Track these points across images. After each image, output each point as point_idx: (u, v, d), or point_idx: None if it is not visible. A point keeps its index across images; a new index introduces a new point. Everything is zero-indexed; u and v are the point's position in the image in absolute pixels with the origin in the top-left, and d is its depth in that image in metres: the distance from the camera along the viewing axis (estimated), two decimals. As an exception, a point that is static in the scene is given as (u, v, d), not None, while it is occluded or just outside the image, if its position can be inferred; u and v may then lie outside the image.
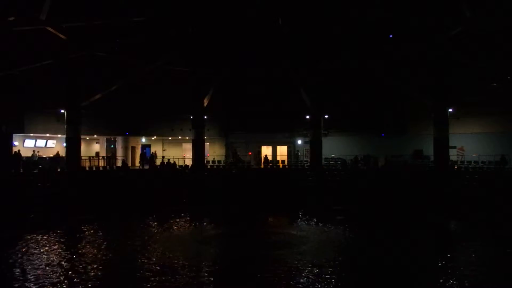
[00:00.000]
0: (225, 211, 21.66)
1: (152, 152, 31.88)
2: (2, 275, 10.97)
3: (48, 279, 10.53)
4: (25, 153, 25.49)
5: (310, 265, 11.53)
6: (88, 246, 14.41)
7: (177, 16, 18.49)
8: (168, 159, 29.35)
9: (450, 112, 24.93)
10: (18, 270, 11.36)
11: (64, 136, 24.83)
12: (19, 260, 12.29)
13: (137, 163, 32.32)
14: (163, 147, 34.79)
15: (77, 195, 20.42)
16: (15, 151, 24.46)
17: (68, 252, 13.45)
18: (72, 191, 20.66)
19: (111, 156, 30.95)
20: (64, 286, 10.18)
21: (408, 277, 10.99)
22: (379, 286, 10.43)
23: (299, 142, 34.49)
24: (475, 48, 20.63)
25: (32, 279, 10.51)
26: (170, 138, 33.67)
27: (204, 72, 26.60)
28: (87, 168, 26.13)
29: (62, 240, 15.34)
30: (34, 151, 26.32)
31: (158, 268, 11.69)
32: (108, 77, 24.90)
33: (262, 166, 30.18)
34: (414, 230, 16.94)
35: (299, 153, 34.39)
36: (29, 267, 11.60)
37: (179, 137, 32.87)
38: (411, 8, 17.45)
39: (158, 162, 29.81)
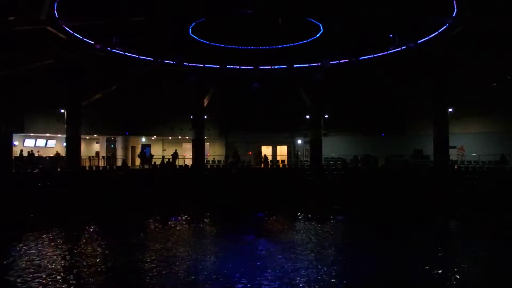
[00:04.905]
0: (224, 212, 21.64)
1: (176, 151, 31.20)
2: (3, 275, 10.97)
3: (48, 279, 10.53)
4: (25, 153, 25.46)
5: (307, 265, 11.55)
6: (87, 246, 14.41)
7: (177, 16, 18.46)
8: (169, 159, 29.36)
9: (450, 112, 24.93)
10: (19, 270, 11.36)
11: (64, 136, 24.84)
12: (19, 260, 12.29)
13: (137, 163, 32.36)
14: (163, 147, 34.78)
15: (77, 195, 20.42)
16: (21, 151, 24.67)
17: (68, 252, 13.45)
18: (71, 191, 20.66)
19: (111, 156, 30.94)
20: (64, 285, 10.18)
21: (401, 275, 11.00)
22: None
23: (299, 142, 34.48)
24: (475, 48, 20.60)
25: (32, 279, 10.51)
26: (170, 138, 33.68)
27: (204, 72, 26.58)
28: (87, 168, 26.12)
29: (62, 239, 15.34)
30: (32, 151, 26.08)
31: (158, 266, 11.70)
32: (108, 77, 24.90)
33: (262, 166, 30.17)
34: (413, 230, 16.94)
35: (299, 153, 34.38)
36: (29, 266, 11.60)
37: (179, 137, 32.88)
38: (411, 7, 17.43)
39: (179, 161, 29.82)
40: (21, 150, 24.98)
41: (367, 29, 20.05)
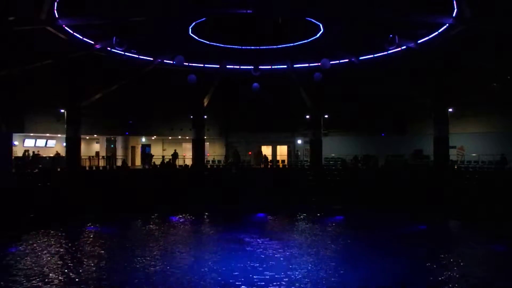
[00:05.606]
0: (224, 211, 21.64)
1: (175, 151, 31.12)
2: (3, 274, 10.97)
3: (48, 279, 10.53)
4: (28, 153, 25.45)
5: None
6: (87, 246, 14.42)
7: (177, 16, 18.44)
8: (169, 159, 29.37)
9: (450, 112, 24.94)
10: (19, 269, 11.37)
11: (64, 136, 24.85)
12: (19, 260, 12.30)
13: (137, 163, 32.40)
14: (163, 147, 34.80)
15: (76, 195, 20.43)
16: (25, 151, 24.78)
17: (68, 252, 13.46)
18: (71, 191, 20.67)
19: (111, 156, 30.95)
20: (65, 285, 10.19)
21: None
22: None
23: (299, 142, 34.49)
24: (475, 48, 20.58)
25: (32, 279, 10.52)
26: (170, 138, 33.70)
27: (204, 72, 26.55)
28: (87, 168, 26.13)
29: (61, 239, 15.35)
30: (28, 151, 25.92)
31: (157, 266, 11.71)
32: (108, 77, 24.89)
33: (262, 166, 30.17)
34: (412, 231, 16.95)
35: (299, 153, 34.39)
36: (29, 266, 11.60)
37: (179, 137, 32.90)
38: (411, 7, 17.41)
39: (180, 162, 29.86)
40: (26, 151, 25.06)
41: (367, 29, 20.03)
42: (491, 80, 24.61)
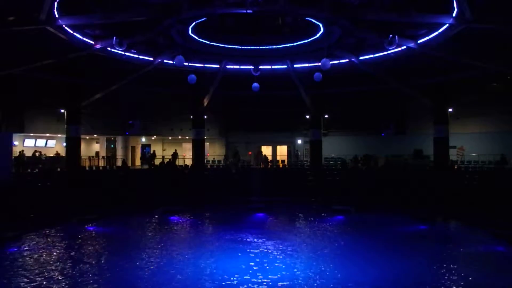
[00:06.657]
0: (223, 211, 21.64)
1: (175, 151, 31.18)
2: (3, 275, 10.97)
3: (48, 280, 10.54)
4: (29, 153, 25.45)
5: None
6: (87, 246, 14.43)
7: (177, 16, 18.44)
8: (169, 159, 29.39)
9: (450, 112, 24.92)
10: (19, 270, 11.37)
11: (64, 136, 24.85)
12: (19, 260, 12.30)
13: (137, 163, 32.42)
14: (163, 147, 34.82)
15: (76, 195, 20.42)
16: (34, 152, 25.15)
17: (68, 252, 13.46)
18: (71, 191, 20.67)
19: (111, 156, 30.96)
20: (65, 285, 10.20)
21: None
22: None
23: (299, 142, 34.50)
24: (475, 48, 20.57)
25: (32, 279, 10.52)
26: (170, 138, 33.73)
27: (204, 72, 26.55)
28: (87, 168, 26.13)
29: (61, 239, 15.35)
30: (21, 151, 25.82)
31: (158, 266, 11.72)
32: (108, 77, 24.89)
33: (262, 166, 30.17)
34: (412, 231, 16.95)
35: (299, 153, 34.40)
36: (29, 266, 11.61)
37: (179, 137, 32.92)
38: (411, 8, 17.41)
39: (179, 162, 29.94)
40: (35, 151, 25.18)
41: (367, 29, 20.03)
42: (491, 80, 24.61)
